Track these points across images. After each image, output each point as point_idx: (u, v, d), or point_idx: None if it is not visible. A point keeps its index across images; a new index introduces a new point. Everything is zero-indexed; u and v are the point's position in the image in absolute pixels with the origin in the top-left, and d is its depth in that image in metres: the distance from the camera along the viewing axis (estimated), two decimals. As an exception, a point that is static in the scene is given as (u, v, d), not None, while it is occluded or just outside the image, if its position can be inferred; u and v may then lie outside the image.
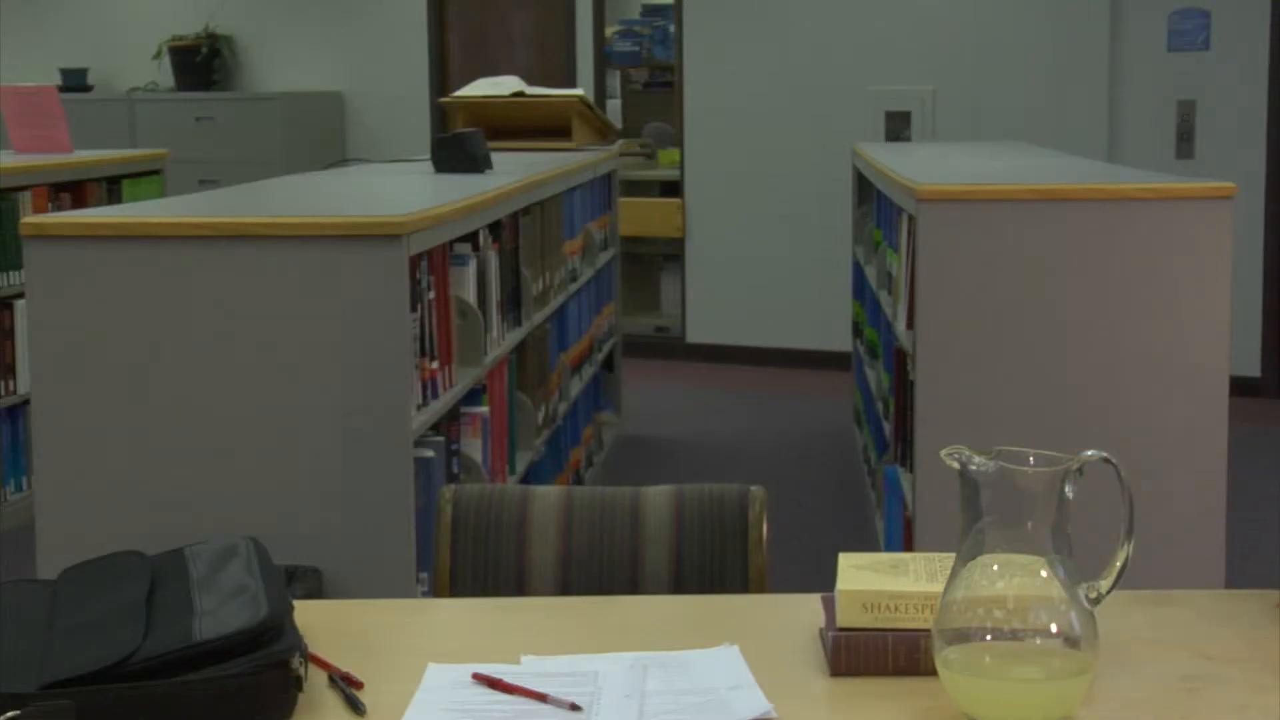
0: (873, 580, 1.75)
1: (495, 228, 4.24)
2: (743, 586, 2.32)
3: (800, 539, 5.43)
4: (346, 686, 1.69)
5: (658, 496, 2.37)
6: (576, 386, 5.75)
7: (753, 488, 2.37)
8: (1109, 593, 1.64)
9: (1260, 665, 1.73)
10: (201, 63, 9.52)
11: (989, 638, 1.56)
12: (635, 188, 9.37)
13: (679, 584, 2.31)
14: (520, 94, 6.46)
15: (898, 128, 8.41)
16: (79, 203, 6.11)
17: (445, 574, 2.41)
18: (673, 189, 9.25)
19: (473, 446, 3.83)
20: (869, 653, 1.72)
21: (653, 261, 9.74)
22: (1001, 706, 1.56)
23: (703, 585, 2.30)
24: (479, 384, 3.96)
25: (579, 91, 6.82)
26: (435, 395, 3.50)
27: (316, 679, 1.71)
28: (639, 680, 1.70)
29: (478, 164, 4.74)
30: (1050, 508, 1.57)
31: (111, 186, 6.39)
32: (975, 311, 3.78)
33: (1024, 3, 8.21)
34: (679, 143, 9.09)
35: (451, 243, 3.72)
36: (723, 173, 8.78)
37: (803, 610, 1.90)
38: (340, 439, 3.10)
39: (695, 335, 9.05)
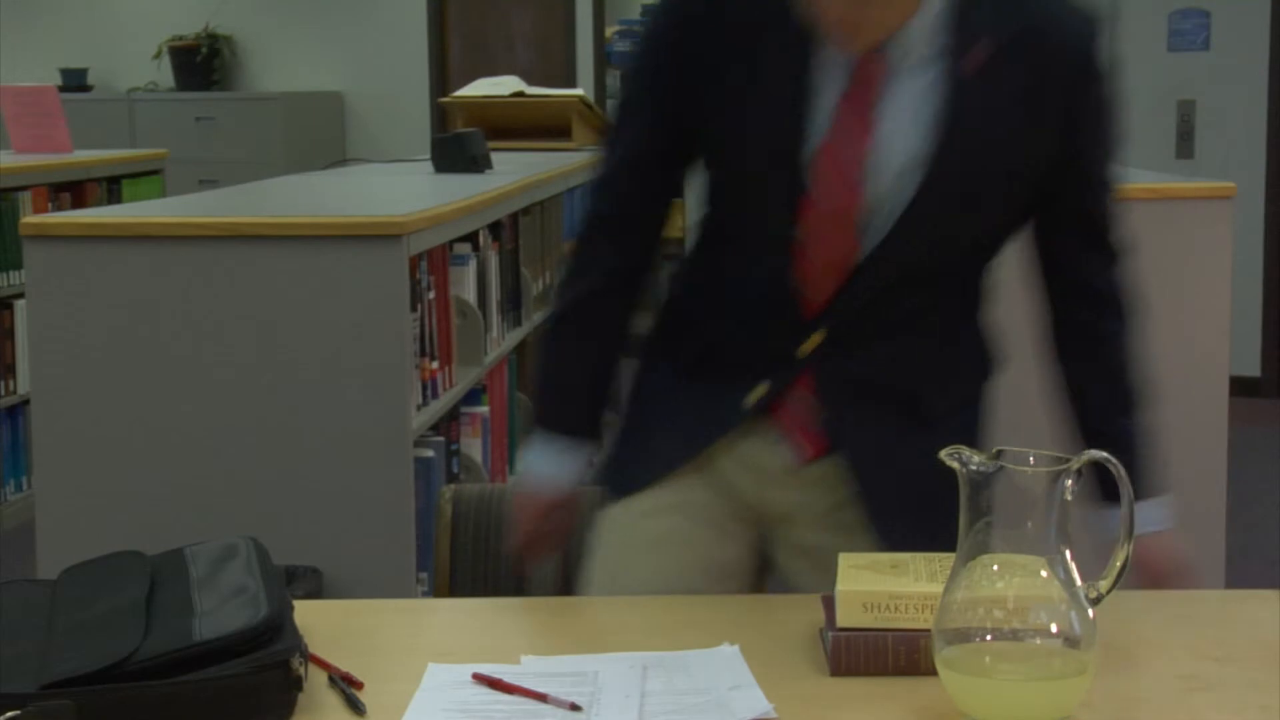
0: (873, 580, 1.75)
1: (495, 228, 4.24)
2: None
3: (800, 539, 5.41)
4: (346, 687, 1.69)
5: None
6: (576, 386, 5.73)
7: None
8: (1109, 593, 1.64)
9: (1260, 665, 1.73)
10: (201, 63, 9.51)
11: (989, 638, 1.56)
12: (635, 188, 9.33)
13: (679, 584, 2.30)
14: (520, 94, 6.46)
15: (898, 128, 8.40)
16: (79, 203, 6.11)
17: (445, 574, 2.41)
18: (673, 189, 9.23)
19: (473, 446, 3.84)
20: (869, 653, 1.72)
21: (653, 261, 9.71)
22: (1001, 706, 1.56)
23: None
24: (479, 384, 3.96)
25: (579, 91, 6.81)
26: (435, 395, 3.50)
27: (316, 679, 1.71)
28: (639, 680, 1.70)
29: (478, 164, 4.74)
30: (1050, 508, 1.57)
31: (111, 186, 6.39)
32: (975, 311, 3.77)
33: (1024, 3, 8.21)
34: (679, 143, 9.07)
35: (451, 243, 3.72)
36: (723, 173, 8.77)
37: (803, 610, 1.90)
38: (340, 439, 3.10)
39: (695, 335, 9.03)
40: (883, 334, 2.08)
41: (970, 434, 2.20)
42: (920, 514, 1.98)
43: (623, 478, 2.23)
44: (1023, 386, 3.77)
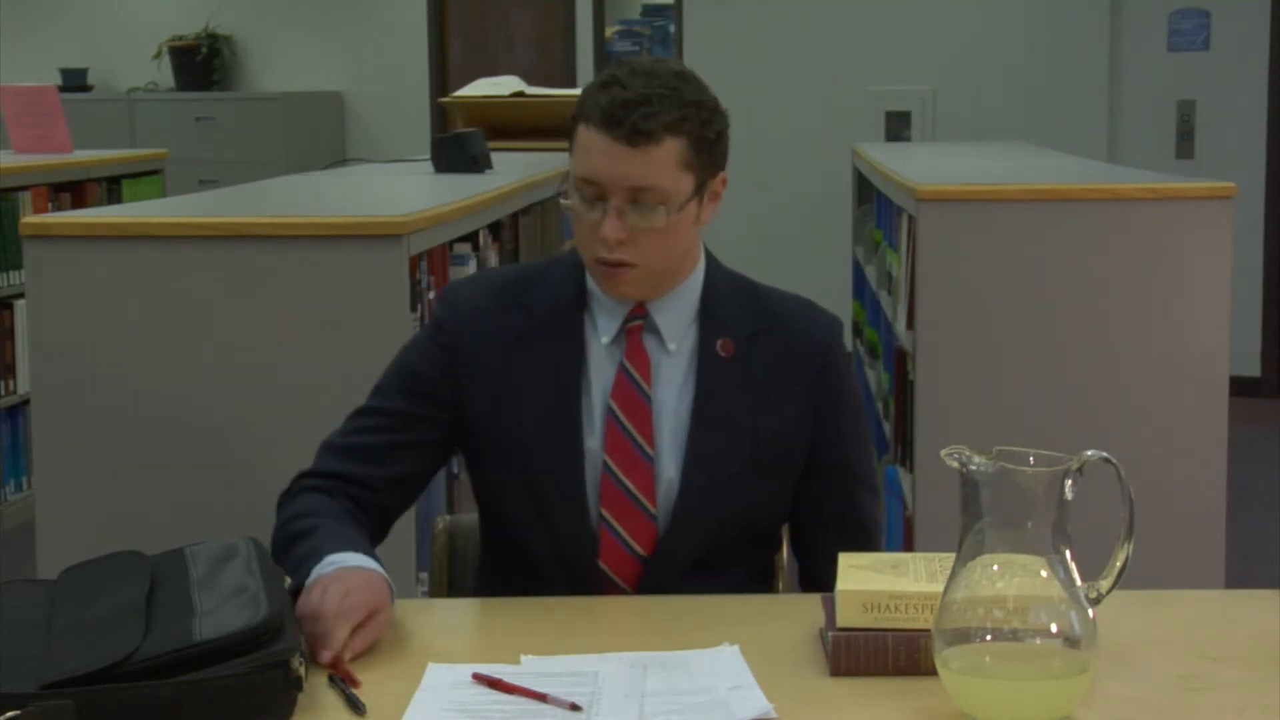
0: (873, 580, 1.75)
1: (495, 228, 4.24)
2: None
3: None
4: (346, 687, 1.69)
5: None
6: (576, 386, 5.72)
7: None
8: (1109, 593, 1.64)
9: (1260, 665, 1.73)
10: (201, 63, 9.50)
11: (989, 638, 1.57)
12: (635, 188, 9.32)
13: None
14: (520, 94, 6.46)
15: (898, 128, 8.40)
16: (79, 203, 6.10)
17: (442, 585, 2.41)
18: (673, 189, 9.22)
19: (473, 446, 3.82)
20: (869, 653, 1.72)
21: (653, 261, 9.69)
22: (1001, 706, 1.56)
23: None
24: (479, 384, 3.94)
25: (579, 91, 6.81)
26: (435, 395, 3.49)
27: (316, 679, 1.71)
28: (639, 680, 1.70)
29: (478, 164, 4.73)
30: (1050, 508, 1.57)
31: (111, 186, 6.38)
32: (975, 311, 3.78)
33: (1024, 3, 8.21)
34: (679, 143, 9.06)
35: (451, 243, 3.72)
36: (723, 173, 8.77)
37: (803, 610, 1.90)
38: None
39: (695, 335, 9.02)
40: (680, 582, 2.12)
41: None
42: None
43: None
44: (1023, 388, 3.78)
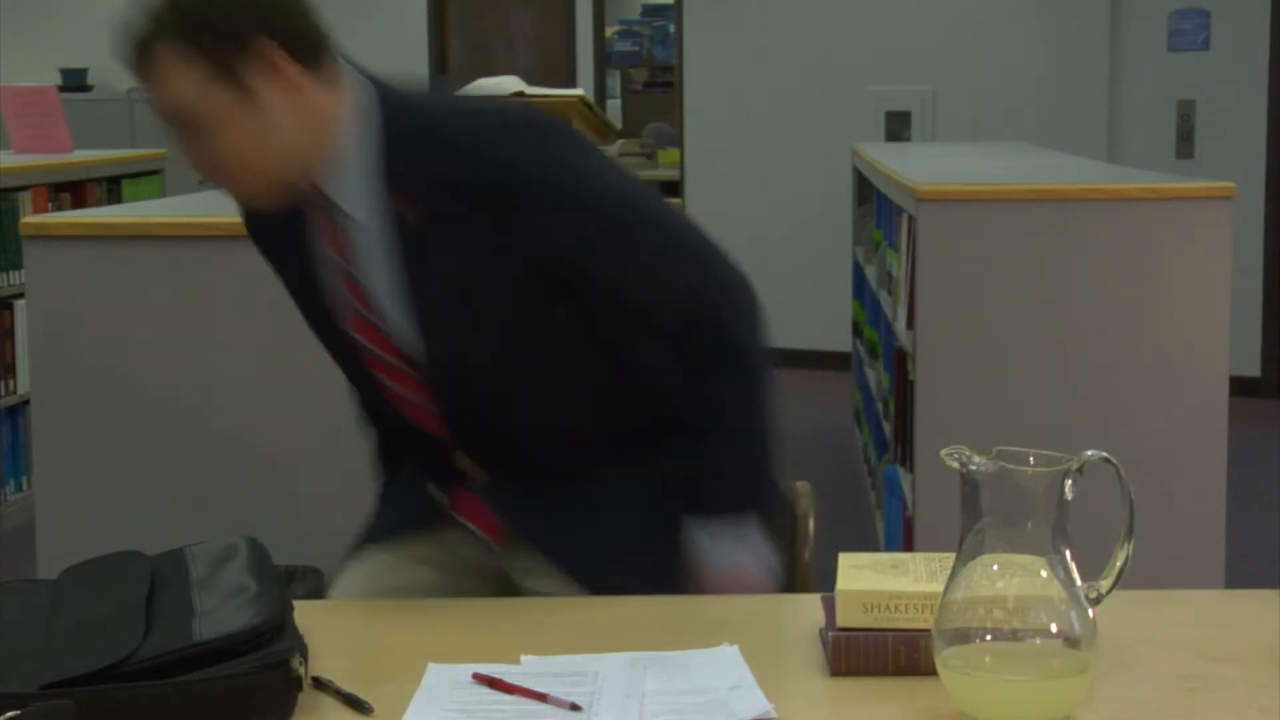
0: (873, 580, 1.75)
1: (495, 228, 4.24)
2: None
3: (800, 539, 5.40)
4: (350, 693, 1.69)
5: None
6: (576, 386, 5.72)
7: (799, 483, 2.36)
8: (1109, 593, 1.64)
9: (1260, 665, 1.73)
10: (201, 63, 9.51)
11: (989, 638, 1.56)
12: (635, 188, 9.31)
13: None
14: (520, 94, 6.45)
15: (898, 128, 8.40)
16: (79, 203, 6.10)
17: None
18: (673, 189, 9.24)
19: (473, 446, 3.82)
20: (869, 653, 1.72)
21: (653, 261, 9.68)
22: (1001, 706, 1.56)
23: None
24: (479, 384, 3.95)
25: (579, 91, 6.81)
26: (435, 395, 3.49)
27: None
28: (639, 680, 1.70)
29: (478, 164, 4.73)
30: (1050, 508, 1.57)
31: (111, 186, 6.38)
32: (975, 311, 3.78)
33: (1024, 3, 8.21)
34: (679, 143, 9.09)
35: (451, 243, 3.72)
36: (723, 173, 8.78)
37: (803, 610, 1.90)
38: (340, 438, 3.10)
39: (695, 335, 9.01)
40: (512, 440, 2.17)
41: (639, 488, 2.21)
42: (605, 561, 2.16)
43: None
44: (1023, 388, 3.78)
